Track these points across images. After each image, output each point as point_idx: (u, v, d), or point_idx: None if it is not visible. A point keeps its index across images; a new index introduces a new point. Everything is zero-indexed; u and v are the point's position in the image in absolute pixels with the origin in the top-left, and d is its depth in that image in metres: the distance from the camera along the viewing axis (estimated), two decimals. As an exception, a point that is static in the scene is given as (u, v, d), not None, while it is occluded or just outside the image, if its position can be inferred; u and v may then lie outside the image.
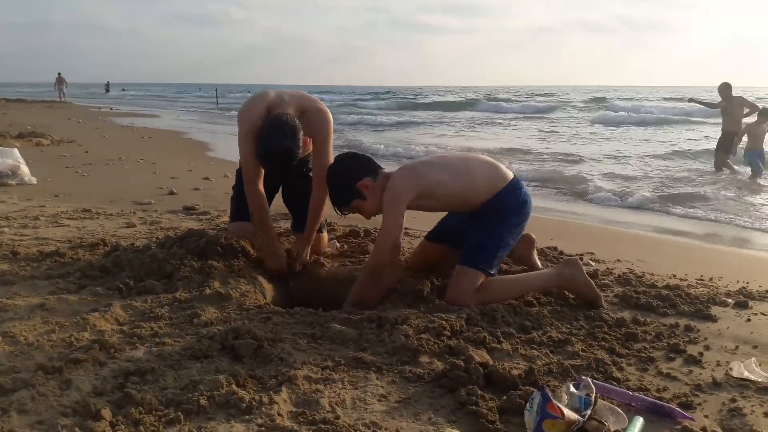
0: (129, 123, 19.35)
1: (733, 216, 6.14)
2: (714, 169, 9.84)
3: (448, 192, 2.82)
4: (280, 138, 2.82)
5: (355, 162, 2.92)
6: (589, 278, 2.84)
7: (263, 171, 3.09)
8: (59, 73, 35.38)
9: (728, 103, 9.76)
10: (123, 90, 62.47)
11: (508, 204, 2.88)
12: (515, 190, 2.92)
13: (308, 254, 3.22)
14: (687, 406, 1.92)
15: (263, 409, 1.71)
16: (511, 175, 2.96)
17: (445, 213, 3.16)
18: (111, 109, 29.25)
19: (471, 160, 2.99)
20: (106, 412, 1.65)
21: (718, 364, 2.24)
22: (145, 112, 27.82)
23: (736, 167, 9.62)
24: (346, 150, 3.09)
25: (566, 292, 2.87)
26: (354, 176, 2.82)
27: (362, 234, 4.08)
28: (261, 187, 3.11)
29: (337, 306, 2.75)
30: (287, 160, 2.88)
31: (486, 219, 2.85)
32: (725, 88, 9.80)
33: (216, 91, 48.52)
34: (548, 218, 5.94)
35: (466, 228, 2.93)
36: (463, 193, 2.85)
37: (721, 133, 9.95)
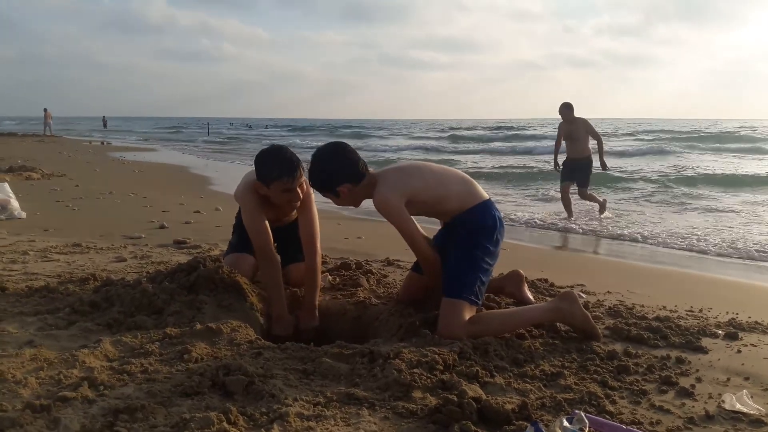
0: (120, 156, 19.37)
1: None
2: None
3: (425, 199, 2.90)
4: (286, 153, 3.00)
5: (342, 165, 2.89)
6: (586, 312, 2.84)
7: (272, 238, 3.14)
8: (45, 109, 36.01)
9: (572, 126, 8.25)
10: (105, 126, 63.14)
11: (478, 222, 2.91)
12: (486, 210, 2.96)
13: (317, 320, 3.16)
14: (680, 439, 1.92)
15: (254, 446, 1.70)
16: (485, 195, 3.01)
17: None
18: (102, 143, 29.27)
19: (449, 172, 3.08)
20: (95, 452, 1.63)
21: (711, 397, 2.24)
22: (137, 146, 27.88)
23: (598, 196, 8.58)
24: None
25: (559, 325, 2.88)
26: (336, 180, 2.87)
27: (354, 267, 4.08)
28: (273, 251, 3.13)
29: (329, 340, 2.73)
30: (298, 165, 2.98)
31: (459, 242, 2.88)
32: (565, 108, 8.22)
33: (207, 124, 48.88)
34: (536, 248, 5.98)
35: (444, 256, 2.95)
36: (437, 201, 2.93)
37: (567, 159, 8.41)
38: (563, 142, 8.42)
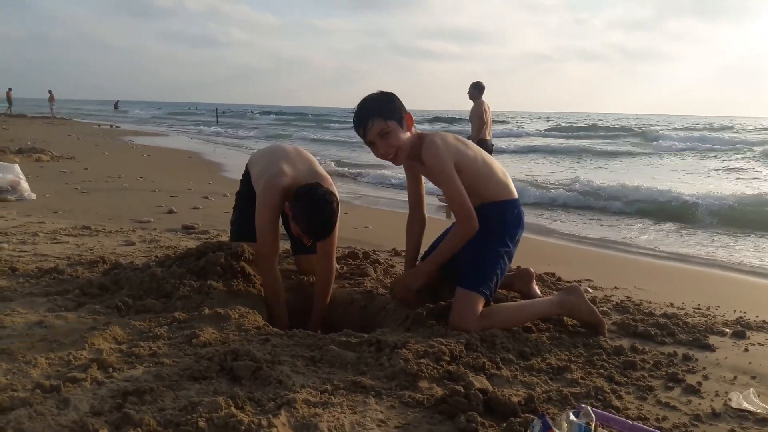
0: (129, 141, 19.42)
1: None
2: None
3: (471, 172, 2.81)
4: (323, 212, 2.80)
5: (400, 104, 2.78)
6: (591, 305, 2.85)
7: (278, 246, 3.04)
8: (50, 91, 37.81)
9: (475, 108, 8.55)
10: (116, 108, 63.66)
11: (506, 217, 2.90)
12: (515, 208, 2.96)
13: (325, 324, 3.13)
14: (686, 436, 1.92)
15: (262, 431, 1.70)
16: (516, 194, 3.00)
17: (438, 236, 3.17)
18: (111, 126, 29.34)
19: (493, 159, 3.04)
20: (104, 433, 1.64)
21: (717, 395, 2.24)
22: (145, 130, 27.93)
23: None
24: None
25: (566, 319, 2.87)
26: (403, 107, 2.76)
27: (361, 256, 4.08)
28: (276, 263, 3.03)
29: (336, 328, 2.74)
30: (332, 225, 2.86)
31: (484, 235, 2.82)
32: (474, 88, 8.57)
33: (216, 110, 49.05)
34: (545, 241, 5.96)
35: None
36: (478, 180, 2.84)
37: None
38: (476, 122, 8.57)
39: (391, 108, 2.73)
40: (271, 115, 60.53)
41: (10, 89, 38.14)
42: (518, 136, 30.97)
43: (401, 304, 2.97)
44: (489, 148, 8.37)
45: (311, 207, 2.79)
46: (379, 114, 2.70)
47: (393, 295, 2.93)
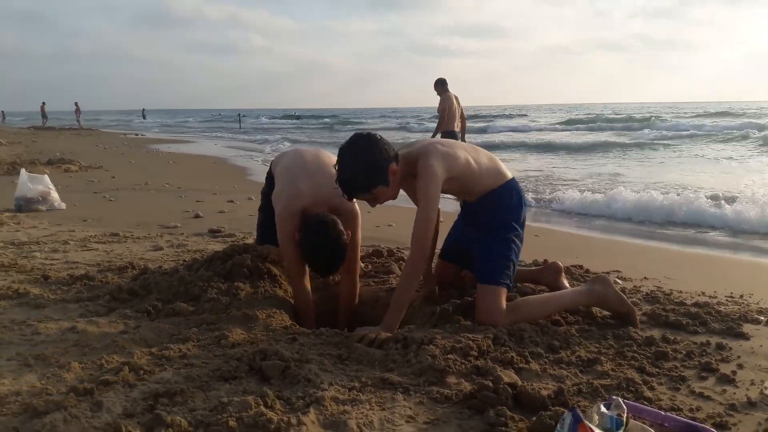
0: (155, 148, 19.69)
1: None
2: None
3: (465, 174, 2.74)
4: (327, 249, 2.77)
5: (382, 144, 2.61)
6: (620, 293, 2.80)
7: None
8: (76, 103, 38.51)
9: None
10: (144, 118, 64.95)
11: (506, 202, 2.84)
12: (513, 189, 2.88)
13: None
14: (722, 426, 1.87)
15: (291, 430, 1.71)
16: (510, 174, 2.92)
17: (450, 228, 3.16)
18: (137, 135, 29.80)
19: (478, 149, 2.96)
20: (137, 434, 1.67)
21: (753, 383, 2.19)
22: (170, 138, 28.30)
23: None
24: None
25: (595, 311, 2.84)
26: (385, 159, 2.57)
27: (386, 254, 4.08)
28: (308, 283, 3.02)
29: (362, 326, 2.74)
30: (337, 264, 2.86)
31: (489, 225, 2.81)
32: (438, 85, 9.09)
33: (239, 116, 49.64)
34: (571, 233, 5.90)
35: (468, 242, 2.91)
36: (471, 178, 2.78)
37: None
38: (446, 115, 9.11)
39: (374, 177, 2.58)
40: (297, 119, 60.58)
41: (43, 103, 39.48)
42: (524, 131, 29.22)
43: (428, 301, 2.97)
44: (456, 139, 8.74)
45: (313, 248, 2.77)
46: (364, 189, 2.61)
47: (358, 339, 2.50)
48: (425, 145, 2.76)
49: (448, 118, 8.99)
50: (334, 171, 2.98)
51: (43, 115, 38.96)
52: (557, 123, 34.35)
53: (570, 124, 33.34)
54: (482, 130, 29.45)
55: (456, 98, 9.09)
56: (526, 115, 46.93)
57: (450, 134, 8.84)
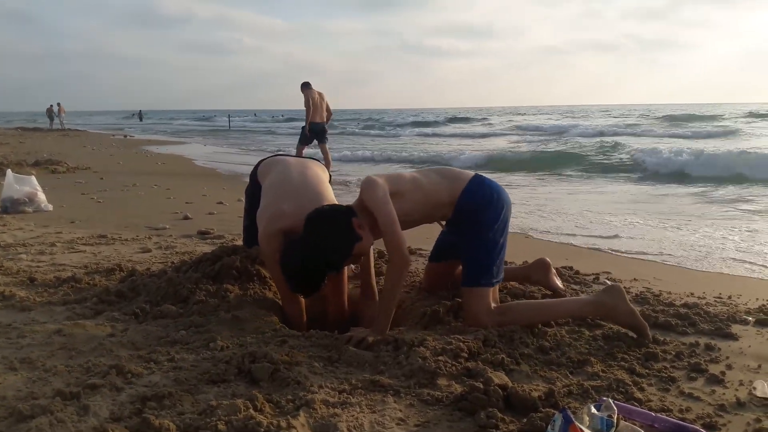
0: (143, 150, 19.58)
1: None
2: None
3: (416, 190, 2.70)
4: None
5: (335, 209, 2.63)
6: (632, 307, 2.64)
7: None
8: (59, 103, 38.14)
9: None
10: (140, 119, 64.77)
11: (474, 201, 2.75)
12: (478, 186, 2.79)
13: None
14: (711, 427, 1.88)
15: (281, 433, 1.70)
16: (470, 173, 2.87)
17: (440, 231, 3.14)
18: (125, 136, 29.62)
19: (421, 173, 2.89)
20: (124, 438, 1.65)
21: (741, 384, 2.20)
22: (158, 139, 28.15)
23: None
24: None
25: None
26: (346, 221, 2.55)
27: (376, 256, 4.07)
28: (301, 301, 2.93)
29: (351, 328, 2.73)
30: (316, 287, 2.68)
31: (466, 228, 2.77)
32: (302, 85, 10.77)
33: (228, 116, 49.53)
34: (556, 242, 5.92)
35: (456, 240, 2.89)
36: (428, 199, 2.73)
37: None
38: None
39: (345, 251, 2.55)
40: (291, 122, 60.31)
41: (51, 106, 38.11)
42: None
43: (419, 301, 2.97)
44: (321, 128, 10.86)
45: (293, 270, 2.60)
46: (339, 267, 2.61)
47: (346, 340, 2.48)
48: (363, 179, 2.71)
49: (312, 111, 10.66)
50: (319, 189, 2.94)
51: (50, 117, 37.87)
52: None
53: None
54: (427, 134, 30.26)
55: (320, 94, 10.83)
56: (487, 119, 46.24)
57: (317, 125, 10.77)
